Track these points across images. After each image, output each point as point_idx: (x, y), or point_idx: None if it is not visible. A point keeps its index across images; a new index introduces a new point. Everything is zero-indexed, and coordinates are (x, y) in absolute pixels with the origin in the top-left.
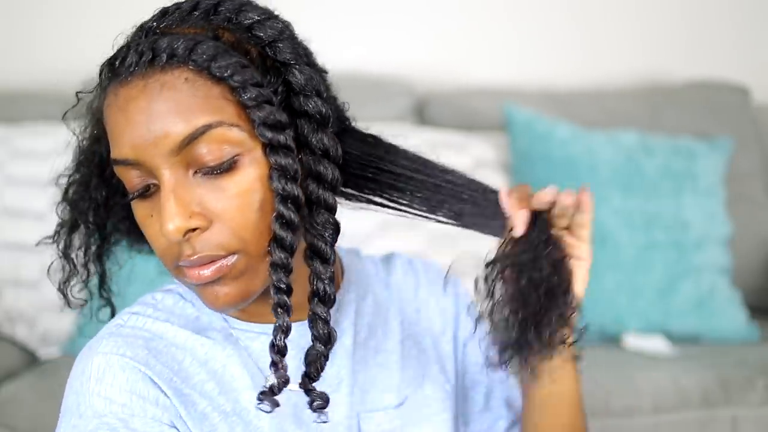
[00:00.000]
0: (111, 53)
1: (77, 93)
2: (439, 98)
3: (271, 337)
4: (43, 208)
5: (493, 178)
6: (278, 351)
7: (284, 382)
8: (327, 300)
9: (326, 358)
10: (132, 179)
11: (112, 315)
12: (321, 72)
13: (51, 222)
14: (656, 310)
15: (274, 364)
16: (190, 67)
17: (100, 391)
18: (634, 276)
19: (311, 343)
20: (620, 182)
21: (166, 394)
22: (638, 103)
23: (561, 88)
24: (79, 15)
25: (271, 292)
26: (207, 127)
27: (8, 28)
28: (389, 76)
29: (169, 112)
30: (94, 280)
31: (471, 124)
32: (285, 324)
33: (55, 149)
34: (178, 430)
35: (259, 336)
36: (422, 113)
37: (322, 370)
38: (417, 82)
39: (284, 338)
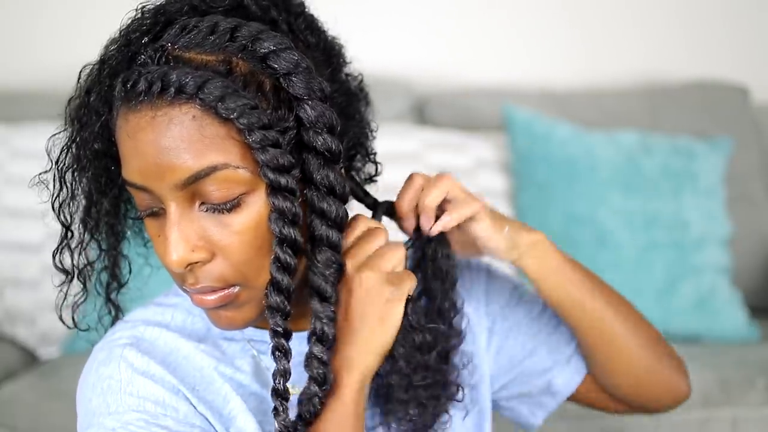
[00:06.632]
0: (118, 25)
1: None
2: (439, 98)
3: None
4: (42, 208)
5: (493, 179)
6: (279, 395)
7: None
8: (324, 340)
9: (321, 399)
10: (142, 200)
11: (114, 321)
12: (354, 95)
13: (50, 222)
14: (656, 310)
15: (275, 410)
16: (198, 105)
17: (132, 391)
18: (634, 276)
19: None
20: (620, 182)
21: (191, 402)
22: (638, 103)
23: (561, 89)
24: (79, 15)
25: (269, 336)
26: (213, 169)
27: (8, 28)
28: (389, 76)
29: (176, 149)
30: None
31: (471, 124)
32: (284, 368)
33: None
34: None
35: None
36: (422, 113)
37: (315, 411)
38: (417, 82)
39: (284, 382)
